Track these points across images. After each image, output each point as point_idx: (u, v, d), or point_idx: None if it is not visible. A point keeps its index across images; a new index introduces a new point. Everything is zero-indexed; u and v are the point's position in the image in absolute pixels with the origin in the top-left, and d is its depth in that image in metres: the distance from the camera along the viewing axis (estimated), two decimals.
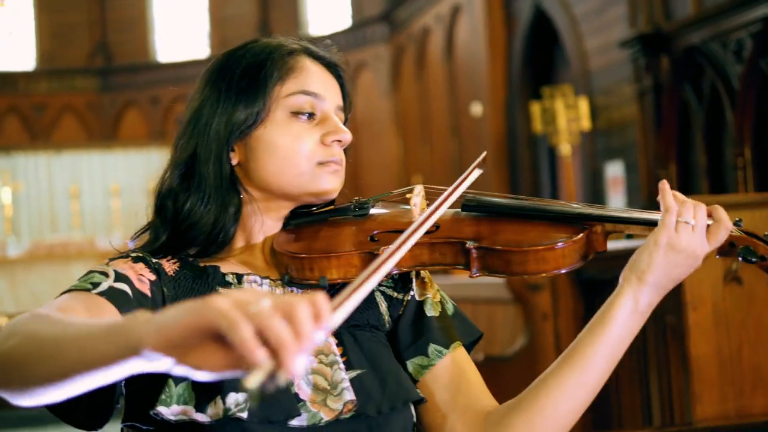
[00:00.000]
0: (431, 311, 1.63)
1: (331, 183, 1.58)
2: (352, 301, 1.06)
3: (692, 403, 2.73)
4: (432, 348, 1.60)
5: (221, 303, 0.96)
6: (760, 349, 2.77)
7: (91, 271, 1.46)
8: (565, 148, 9.40)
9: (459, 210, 1.60)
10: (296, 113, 1.56)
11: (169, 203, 1.56)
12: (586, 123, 9.33)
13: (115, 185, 14.98)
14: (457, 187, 1.51)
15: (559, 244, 1.49)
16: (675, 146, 8.08)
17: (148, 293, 1.47)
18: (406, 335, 1.61)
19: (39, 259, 13.53)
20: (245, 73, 1.57)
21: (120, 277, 1.46)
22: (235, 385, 1.36)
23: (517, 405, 1.55)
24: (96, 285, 1.42)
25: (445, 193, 1.49)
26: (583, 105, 9.33)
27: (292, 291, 1.56)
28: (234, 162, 1.57)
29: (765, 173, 7.16)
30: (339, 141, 1.58)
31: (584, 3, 9.68)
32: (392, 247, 1.25)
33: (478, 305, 5.25)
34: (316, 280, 1.51)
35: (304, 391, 1.44)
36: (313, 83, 1.58)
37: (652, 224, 1.51)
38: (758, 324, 2.77)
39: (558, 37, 10.29)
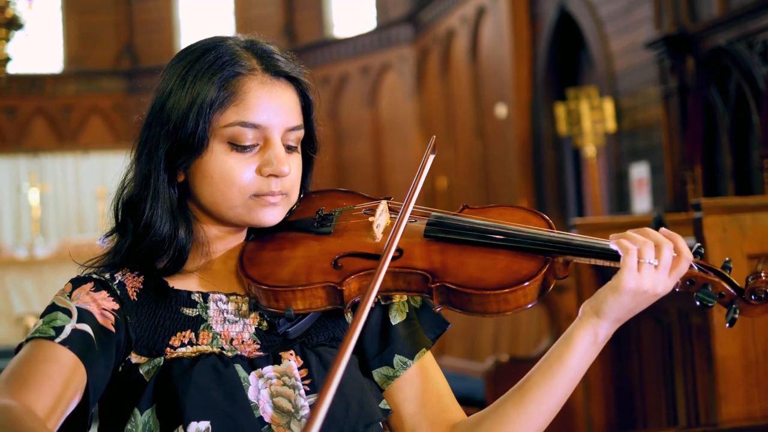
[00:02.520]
0: (396, 318, 1.63)
1: (267, 216, 1.54)
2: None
3: (718, 403, 2.73)
4: (397, 359, 1.60)
5: None
6: None
7: (54, 308, 1.47)
8: (589, 150, 9.39)
9: (423, 236, 1.56)
10: (234, 144, 1.51)
11: (128, 211, 1.56)
12: (611, 124, 9.31)
13: None
14: (417, 181, 1.52)
15: (523, 284, 1.46)
16: (700, 148, 8.05)
17: (112, 329, 1.47)
18: (372, 345, 1.62)
19: (66, 259, 13.62)
20: (191, 89, 1.51)
21: (82, 315, 1.46)
22: (196, 414, 1.39)
23: (477, 427, 1.56)
24: (59, 330, 1.42)
25: (407, 197, 1.49)
26: (608, 106, 9.31)
27: (258, 311, 1.55)
28: (180, 179, 1.55)
29: None
30: (274, 175, 1.52)
31: (609, 4, 9.66)
32: (361, 304, 1.30)
33: None
34: (282, 310, 1.50)
35: (268, 414, 1.46)
36: (255, 112, 1.50)
37: (615, 258, 1.48)
38: None
39: (583, 38, 10.27)
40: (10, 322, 12.86)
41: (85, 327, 1.44)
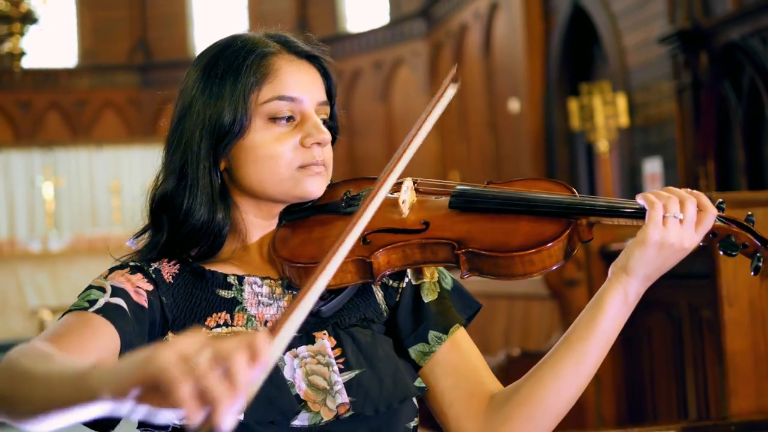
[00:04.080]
0: (428, 296, 1.66)
1: (314, 185, 1.59)
2: (289, 331, 1.14)
3: (728, 397, 2.74)
4: (432, 335, 1.63)
5: (165, 359, 1.01)
6: None
7: (90, 287, 1.51)
8: (602, 145, 9.38)
9: (447, 206, 1.60)
10: (274, 119, 1.57)
11: (163, 206, 1.59)
12: (624, 120, 9.31)
13: None
14: (434, 107, 1.56)
15: (545, 245, 1.49)
16: (713, 143, 8.05)
17: (145, 304, 1.50)
18: (406, 324, 1.64)
19: (80, 253, 13.71)
20: (223, 82, 1.57)
21: (116, 291, 1.49)
22: None
23: (515, 395, 1.59)
24: (93, 302, 1.46)
25: (422, 116, 1.53)
26: (621, 101, 9.30)
27: (292, 294, 1.58)
28: (221, 167, 1.59)
29: None
30: (318, 143, 1.58)
31: None
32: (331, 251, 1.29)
33: (514, 301, 5.27)
34: None
35: (303, 391, 1.48)
36: (289, 86, 1.58)
37: (639, 216, 1.51)
38: None
39: (596, 33, 10.26)
40: (24, 315, 12.94)
41: (119, 301, 1.47)
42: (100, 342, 1.40)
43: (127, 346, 1.44)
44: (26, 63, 14.33)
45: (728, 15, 7.77)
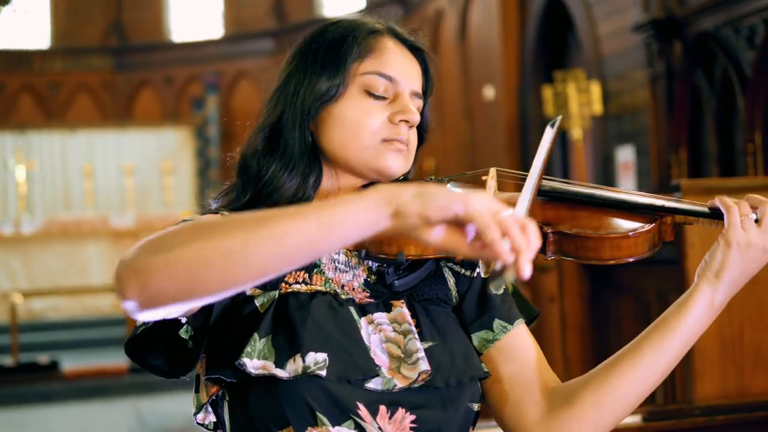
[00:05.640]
0: (494, 290, 1.68)
1: (394, 161, 1.61)
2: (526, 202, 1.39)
3: (693, 381, 2.77)
4: (497, 323, 1.65)
5: (481, 204, 1.20)
6: (761, 330, 2.81)
7: (183, 220, 1.50)
8: (576, 133, 9.42)
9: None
10: (369, 93, 1.60)
11: (253, 164, 1.61)
12: (597, 107, 9.34)
13: (129, 164, 15.06)
14: (549, 149, 1.61)
15: (633, 233, 1.54)
16: (686, 132, 8.09)
17: None
18: (472, 310, 1.66)
19: (53, 236, 13.62)
20: (329, 49, 1.60)
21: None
22: (314, 346, 1.43)
23: (587, 383, 1.62)
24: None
25: (540, 155, 1.59)
26: (595, 89, 9.34)
27: (368, 264, 1.60)
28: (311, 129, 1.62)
29: None
30: (406, 121, 1.60)
31: None
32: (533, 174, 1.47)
33: None
34: (394, 255, 1.53)
35: (379, 357, 1.50)
36: (391, 66, 1.61)
37: (719, 217, 1.58)
38: (760, 305, 2.81)
39: (571, 21, 10.29)
40: None
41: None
42: None
43: None
44: None
45: (702, 5, 7.82)
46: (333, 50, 1.60)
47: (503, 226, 1.19)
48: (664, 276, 3.12)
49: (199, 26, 17.03)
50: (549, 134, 1.63)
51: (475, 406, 1.59)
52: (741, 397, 2.77)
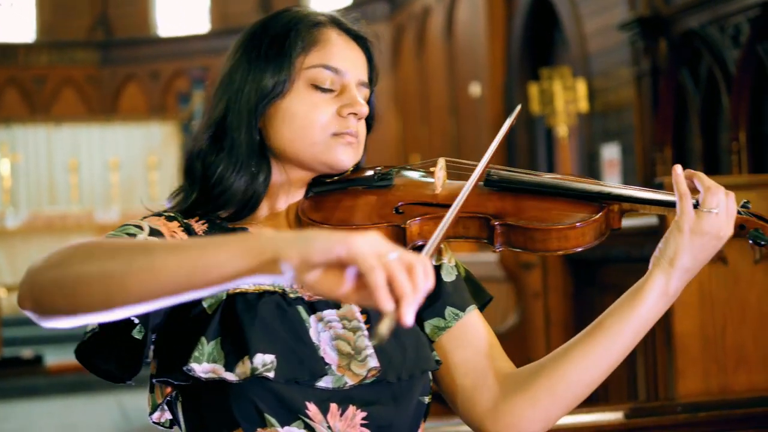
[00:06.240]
0: (447, 276, 1.68)
1: (344, 155, 1.60)
2: (434, 247, 1.26)
3: (676, 379, 2.79)
4: (449, 310, 1.64)
5: (365, 246, 1.12)
6: (743, 328, 2.82)
7: (126, 225, 1.50)
8: (562, 130, 9.44)
9: (482, 184, 1.63)
10: (315, 86, 1.58)
11: (198, 165, 1.60)
12: (583, 105, 9.37)
13: (114, 159, 15.02)
14: (504, 134, 1.62)
15: (580, 223, 1.53)
16: (671, 130, 8.13)
17: None
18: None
19: (37, 230, 13.58)
20: (272, 43, 1.59)
21: (154, 232, 1.50)
22: (262, 347, 1.42)
23: (540, 371, 1.60)
24: (131, 237, 1.46)
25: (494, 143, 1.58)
26: (581, 87, 9.36)
27: None
28: (258, 126, 1.60)
29: (759, 157, 7.21)
30: (355, 114, 1.60)
31: None
32: (458, 199, 1.39)
33: None
34: None
35: (329, 355, 1.48)
36: (336, 58, 1.60)
37: (669, 205, 1.56)
38: (742, 303, 2.82)
39: (557, 18, 10.31)
40: None
41: (156, 240, 1.47)
42: None
43: None
44: None
45: (687, 3, 7.84)
46: (276, 44, 1.59)
47: (388, 269, 1.11)
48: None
49: (185, 21, 17.00)
50: (505, 125, 1.64)
51: (426, 399, 1.58)
52: (723, 395, 2.78)
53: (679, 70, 7.98)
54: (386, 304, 1.10)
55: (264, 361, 1.42)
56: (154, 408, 1.54)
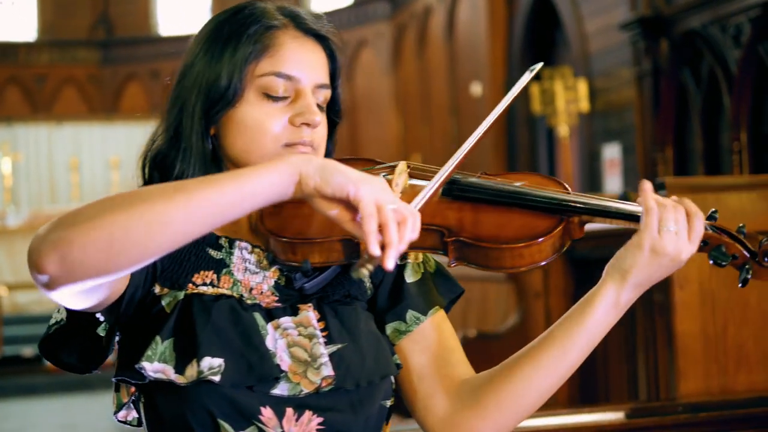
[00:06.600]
0: (411, 277, 1.65)
1: None
2: (425, 199, 1.42)
3: (677, 379, 2.79)
4: (410, 314, 1.62)
5: (370, 194, 1.29)
6: (744, 329, 2.82)
7: None
8: (563, 130, 9.44)
9: (440, 193, 1.58)
10: (267, 95, 1.54)
11: (156, 165, 1.59)
12: (584, 105, 9.37)
13: (115, 158, 15.02)
14: (515, 94, 1.67)
15: (537, 240, 1.49)
16: (672, 130, 8.13)
17: None
18: (385, 301, 1.63)
19: (38, 229, 13.57)
20: (226, 45, 1.54)
21: None
22: (211, 350, 1.41)
23: (490, 383, 1.58)
24: None
25: (505, 98, 1.63)
26: (582, 87, 9.36)
27: (278, 269, 1.56)
28: (211, 133, 1.57)
29: (760, 157, 7.21)
30: (307, 124, 1.54)
31: None
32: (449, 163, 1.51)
33: (471, 283, 5.30)
34: (299, 263, 1.51)
35: (285, 362, 1.47)
36: (288, 63, 1.54)
37: (633, 218, 1.51)
38: (743, 304, 2.82)
39: (558, 18, 10.31)
40: None
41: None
42: (117, 281, 1.39)
43: (132, 287, 1.45)
44: None
45: (689, 3, 7.84)
46: (230, 47, 1.54)
47: (382, 218, 1.27)
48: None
49: (186, 20, 16.99)
50: (481, 128, 1.64)
51: (388, 403, 1.57)
52: (724, 395, 2.78)
53: (680, 70, 7.98)
54: (374, 248, 1.25)
55: (211, 365, 1.41)
56: (119, 407, 1.53)
